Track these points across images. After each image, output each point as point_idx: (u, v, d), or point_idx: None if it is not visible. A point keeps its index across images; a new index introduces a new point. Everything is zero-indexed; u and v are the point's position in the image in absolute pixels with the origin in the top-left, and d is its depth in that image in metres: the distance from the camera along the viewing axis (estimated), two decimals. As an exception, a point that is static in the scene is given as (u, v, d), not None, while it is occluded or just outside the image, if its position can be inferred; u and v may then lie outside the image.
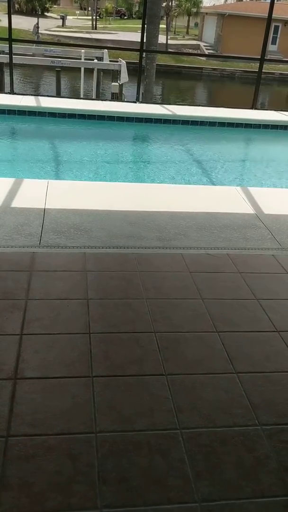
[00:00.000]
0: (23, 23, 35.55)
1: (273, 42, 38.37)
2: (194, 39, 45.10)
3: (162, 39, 35.42)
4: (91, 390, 2.14)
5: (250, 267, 3.37)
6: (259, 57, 9.29)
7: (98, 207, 4.14)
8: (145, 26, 9.38)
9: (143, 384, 2.21)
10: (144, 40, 9.49)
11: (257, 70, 9.44)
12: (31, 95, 10.07)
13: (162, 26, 38.66)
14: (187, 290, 3.00)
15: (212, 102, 25.01)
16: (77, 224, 3.77)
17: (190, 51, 37.70)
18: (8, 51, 8.89)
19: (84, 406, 2.05)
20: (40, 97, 8.90)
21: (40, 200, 4.15)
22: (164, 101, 22.86)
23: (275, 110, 9.57)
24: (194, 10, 44.72)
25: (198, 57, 37.17)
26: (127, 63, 14.18)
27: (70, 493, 1.69)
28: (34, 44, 20.13)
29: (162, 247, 3.55)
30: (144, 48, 9.70)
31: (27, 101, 8.32)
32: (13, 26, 8.66)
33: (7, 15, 8.66)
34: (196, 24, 49.81)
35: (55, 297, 2.79)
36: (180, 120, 8.27)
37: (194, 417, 2.06)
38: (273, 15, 9.04)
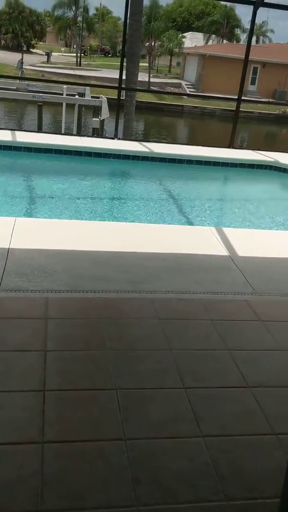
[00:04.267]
0: (8, 58, 36.13)
1: (253, 83, 39.56)
2: (176, 78, 46.21)
3: (145, 77, 36.26)
4: (40, 459, 1.91)
5: (222, 313, 3.21)
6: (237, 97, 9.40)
7: (65, 247, 3.96)
8: (124, 64, 9.45)
9: (98, 450, 1.99)
10: (124, 78, 9.56)
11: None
12: (6, 129, 9.88)
13: (145, 64, 39.66)
14: (154, 340, 2.81)
15: (192, 139, 25.38)
16: (42, 265, 3.58)
17: (172, 89, 38.58)
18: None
19: (29, 479, 1.82)
20: (16, 132, 8.80)
21: (5, 239, 3.95)
22: (145, 137, 23.17)
23: (252, 149, 9.60)
24: (176, 50, 45.97)
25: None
26: (108, 99, 14.27)
27: None
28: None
29: (131, 290, 3.38)
30: (123, 85, 9.76)
31: (4, 135, 8.21)
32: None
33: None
34: (178, 63, 51.16)
35: (10, 349, 2.57)
36: (158, 157, 8.24)
37: (153, 491, 1.85)
38: (252, 57, 9.23)
